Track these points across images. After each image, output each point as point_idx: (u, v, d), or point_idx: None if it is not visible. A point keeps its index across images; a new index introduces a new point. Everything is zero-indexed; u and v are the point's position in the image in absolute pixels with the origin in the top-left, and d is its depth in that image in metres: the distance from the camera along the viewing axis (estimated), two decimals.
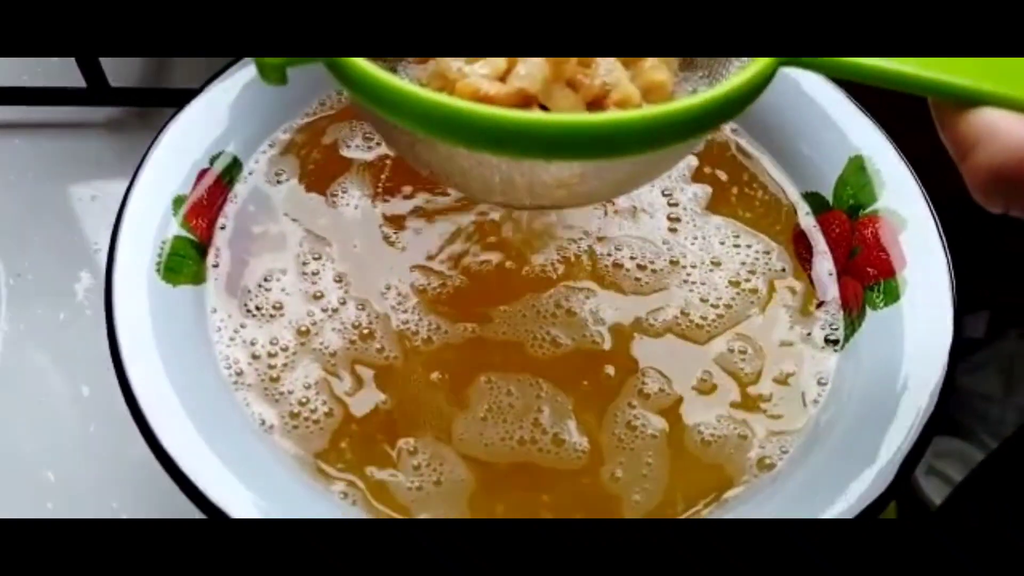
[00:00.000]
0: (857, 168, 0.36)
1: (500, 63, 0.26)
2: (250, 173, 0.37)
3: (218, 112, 0.37)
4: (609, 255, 0.36)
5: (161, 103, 0.47)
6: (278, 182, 0.37)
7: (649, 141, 0.24)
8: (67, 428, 0.38)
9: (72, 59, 0.47)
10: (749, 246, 0.36)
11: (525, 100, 0.26)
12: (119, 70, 0.47)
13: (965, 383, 0.72)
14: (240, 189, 0.37)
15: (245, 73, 0.37)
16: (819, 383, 0.33)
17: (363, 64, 0.23)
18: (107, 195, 0.44)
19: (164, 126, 0.35)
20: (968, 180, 0.23)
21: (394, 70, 0.30)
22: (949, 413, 0.70)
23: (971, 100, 0.23)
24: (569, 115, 0.24)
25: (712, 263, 0.36)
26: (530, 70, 0.26)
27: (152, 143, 0.35)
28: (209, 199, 0.35)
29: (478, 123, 0.23)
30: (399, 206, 0.36)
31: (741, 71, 0.25)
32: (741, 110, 0.25)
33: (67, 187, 0.45)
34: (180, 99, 0.46)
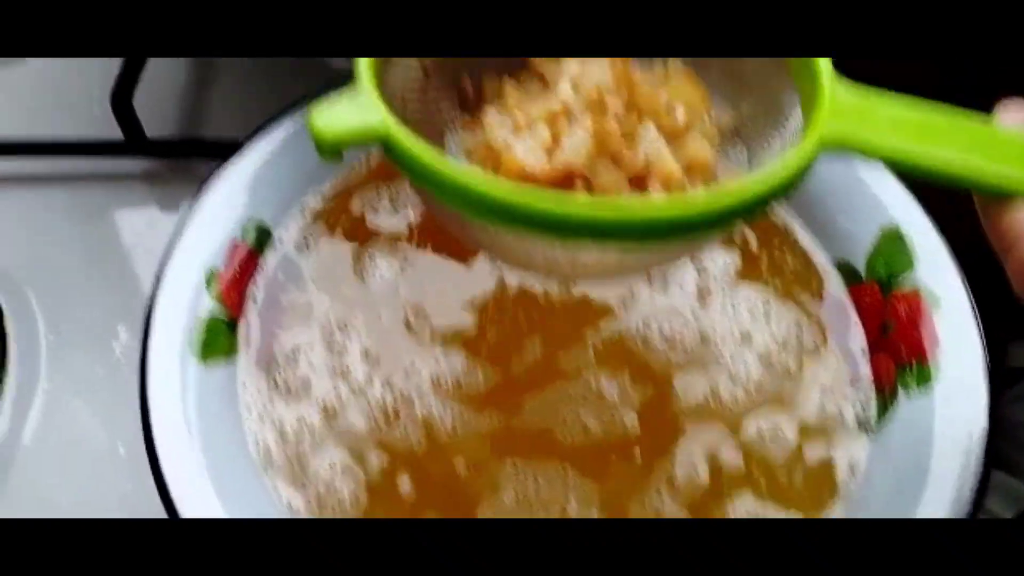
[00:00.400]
0: (891, 240, 0.36)
1: (545, 135, 0.27)
2: (280, 241, 0.37)
3: (249, 180, 0.37)
4: (638, 331, 0.35)
5: (197, 154, 0.47)
6: (307, 249, 0.37)
7: (689, 231, 0.25)
8: (104, 486, 0.39)
9: (109, 111, 0.47)
10: (780, 319, 0.36)
11: (569, 175, 0.27)
12: (155, 121, 0.48)
13: (1011, 413, 0.70)
14: (270, 257, 0.37)
15: (274, 137, 0.38)
16: (850, 468, 0.33)
17: (415, 146, 0.24)
18: (145, 248, 0.45)
19: (197, 196, 0.36)
20: (1011, 275, 0.23)
21: (442, 133, 0.30)
22: (994, 444, 0.68)
23: (1014, 193, 0.24)
24: (611, 204, 0.24)
25: (742, 337, 0.35)
26: (575, 144, 0.27)
27: (185, 216, 0.35)
28: (241, 271, 0.36)
29: (523, 210, 0.23)
30: (424, 286, 0.36)
31: (783, 157, 0.25)
32: (784, 196, 0.25)
33: (105, 240, 0.45)
34: (216, 151, 0.46)
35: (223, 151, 0.45)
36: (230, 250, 0.35)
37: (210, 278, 0.34)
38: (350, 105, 0.24)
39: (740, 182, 0.25)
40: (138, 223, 0.46)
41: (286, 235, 0.37)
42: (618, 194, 0.27)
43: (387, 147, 0.24)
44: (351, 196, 0.39)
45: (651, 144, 0.28)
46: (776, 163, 0.25)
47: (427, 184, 0.24)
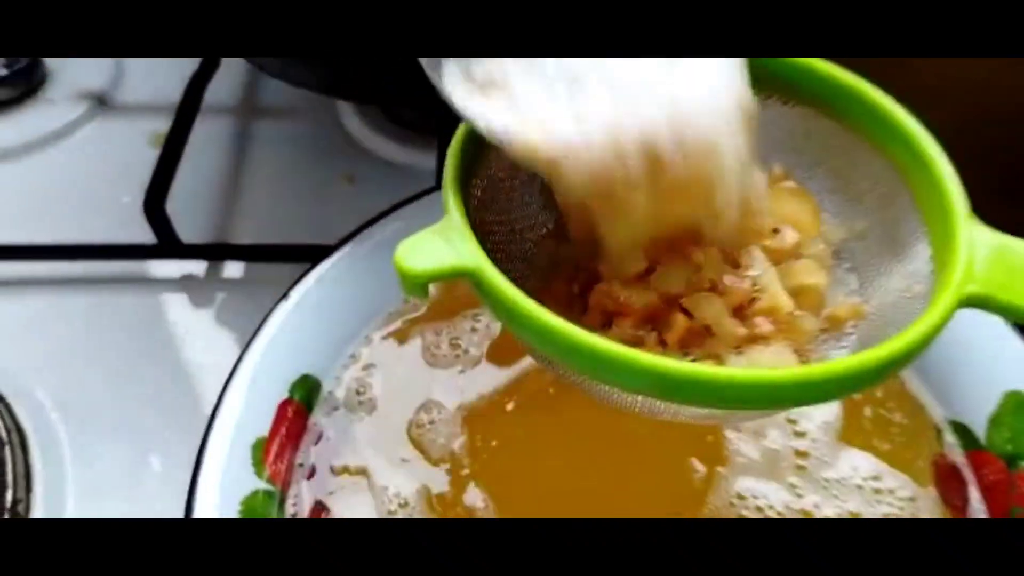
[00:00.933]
0: (1016, 407, 0.32)
1: (640, 263, 0.25)
2: (330, 392, 0.34)
3: (294, 331, 0.33)
4: (732, 505, 0.32)
5: (230, 257, 0.44)
6: (359, 404, 0.34)
7: (796, 401, 0.23)
8: None
9: (143, 215, 0.44)
10: (891, 491, 0.32)
11: (667, 302, 0.25)
12: (188, 226, 0.45)
13: None
14: (319, 413, 0.33)
15: (318, 279, 0.34)
16: None
17: (508, 290, 0.23)
18: (184, 360, 0.42)
19: (241, 356, 0.32)
20: None
21: (526, 233, 0.29)
22: None
23: None
24: (708, 372, 0.22)
25: (851, 517, 0.31)
26: (669, 272, 0.25)
27: (229, 379, 0.32)
28: (288, 435, 0.32)
29: (611, 366, 0.22)
30: (492, 465, 0.33)
31: (917, 322, 0.23)
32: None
33: (139, 350, 0.42)
34: (245, 253, 0.43)
35: (256, 255, 0.42)
36: (277, 413, 0.32)
37: (256, 450, 0.31)
38: (439, 241, 0.23)
39: (860, 354, 0.22)
40: (175, 333, 0.43)
41: (336, 386, 0.34)
42: (719, 326, 0.25)
43: (476, 284, 0.23)
44: (407, 337, 0.35)
45: (758, 272, 0.26)
46: (904, 329, 0.23)
47: (517, 329, 0.23)
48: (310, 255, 0.36)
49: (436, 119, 0.43)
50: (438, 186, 0.37)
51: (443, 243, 0.23)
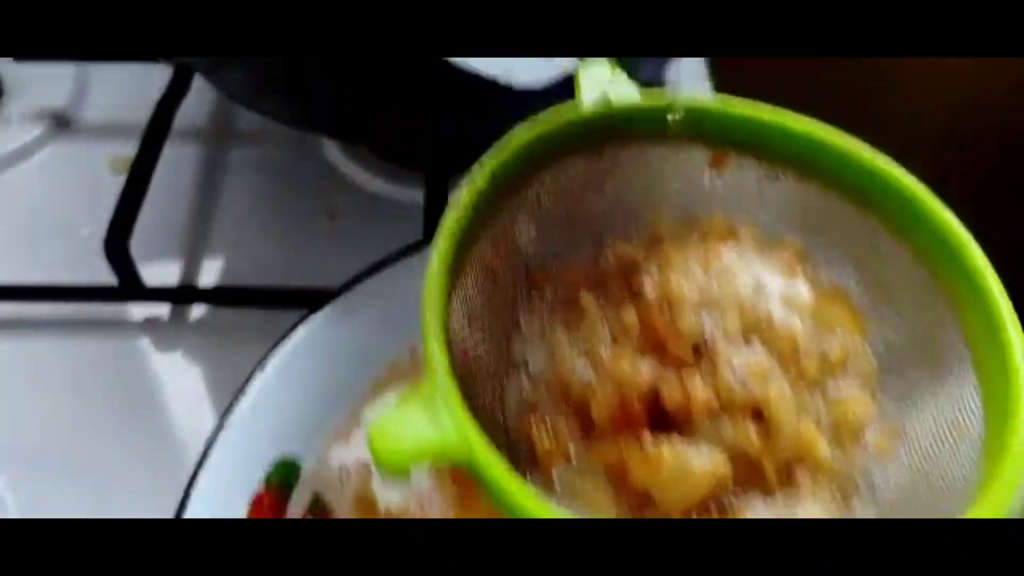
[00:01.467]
0: None
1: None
2: (310, 474, 0.30)
3: (270, 404, 0.30)
4: None
5: (198, 300, 0.41)
6: (340, 483, 0.30)
7: None
8: None
9: (104, 257, 0.41)
10: None
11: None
12: (152, 263, 0.41)
13: None
14: (299, 502, 0.30)
15: (292, 350, 0.31)
16: None
17: (507, 478, 0.20)
18: (147, 414, 0.38)
19: (209, 444, 0.29)
20: None
21: (510, 325, 0.26)
22: None
23: None
24: None
25: None
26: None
27: (197, 468, 0.28)
28: None
29: None
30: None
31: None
32: None
33: (96, 402, 0.39)
34: (214, 297, 0.40)
35: (221, 298, 0.40)
36: (251, 510, 0.28)
37: None
38: (420, 416, 0.20)
39: None
40: (135, 382, 0.39)
41: (315, 466, 0.31)
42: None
43: (466, 465, 0.20)
44: None
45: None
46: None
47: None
48: (285, 300, 0.33)
49: (425, 156, 0.40)
50: (427, 238, 0.34)
51: (425, 418, 0.20)
